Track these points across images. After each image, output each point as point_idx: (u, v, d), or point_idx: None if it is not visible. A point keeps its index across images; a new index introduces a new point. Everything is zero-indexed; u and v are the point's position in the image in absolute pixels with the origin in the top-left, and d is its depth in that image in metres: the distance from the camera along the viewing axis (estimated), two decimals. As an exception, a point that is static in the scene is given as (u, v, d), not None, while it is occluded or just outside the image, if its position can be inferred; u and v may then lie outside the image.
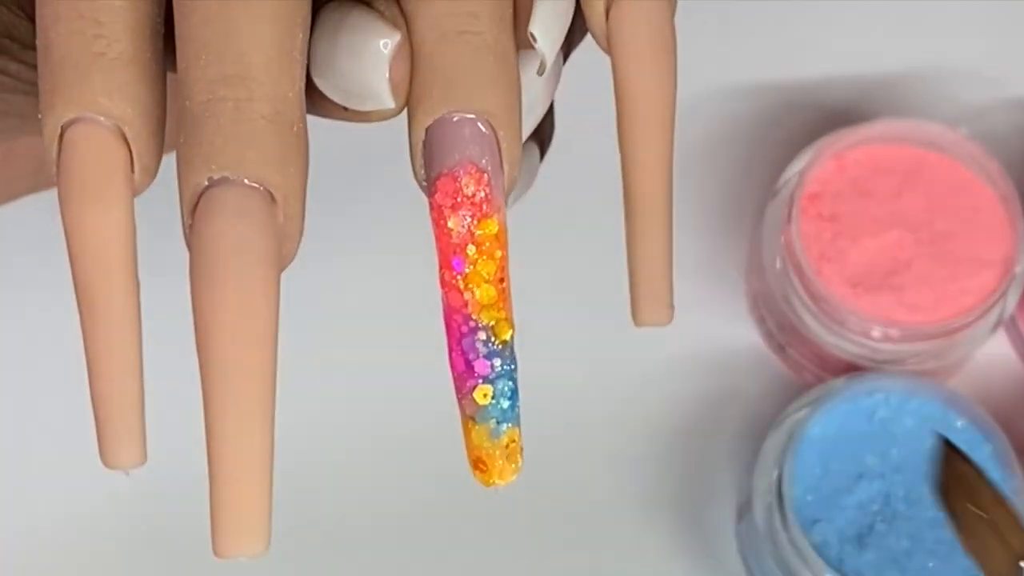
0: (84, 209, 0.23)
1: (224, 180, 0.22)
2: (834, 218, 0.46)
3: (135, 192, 0.24)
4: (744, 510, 0.45)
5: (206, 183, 0.23)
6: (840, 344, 0.46)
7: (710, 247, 0.50)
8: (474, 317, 0.24)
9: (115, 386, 0.23)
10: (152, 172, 0.24)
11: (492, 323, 0.24)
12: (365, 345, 0.49)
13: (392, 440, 0.48)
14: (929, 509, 0.43)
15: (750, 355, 0.49)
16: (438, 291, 0.25)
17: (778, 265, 0.46)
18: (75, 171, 0.23)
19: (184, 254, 0.23)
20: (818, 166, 0.46)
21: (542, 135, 0.28)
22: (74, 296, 0.23)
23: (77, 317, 0.23)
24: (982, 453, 0.43)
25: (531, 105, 0.26)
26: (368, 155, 0.47)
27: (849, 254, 0.45)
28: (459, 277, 0.24)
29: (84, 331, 0.23)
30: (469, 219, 0.24)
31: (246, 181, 0.23)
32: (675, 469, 0.48)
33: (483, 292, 0.24)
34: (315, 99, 0.25)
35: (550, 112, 0.28)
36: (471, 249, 0.24)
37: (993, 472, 0.43)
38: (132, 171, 0.23)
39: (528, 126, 0.27)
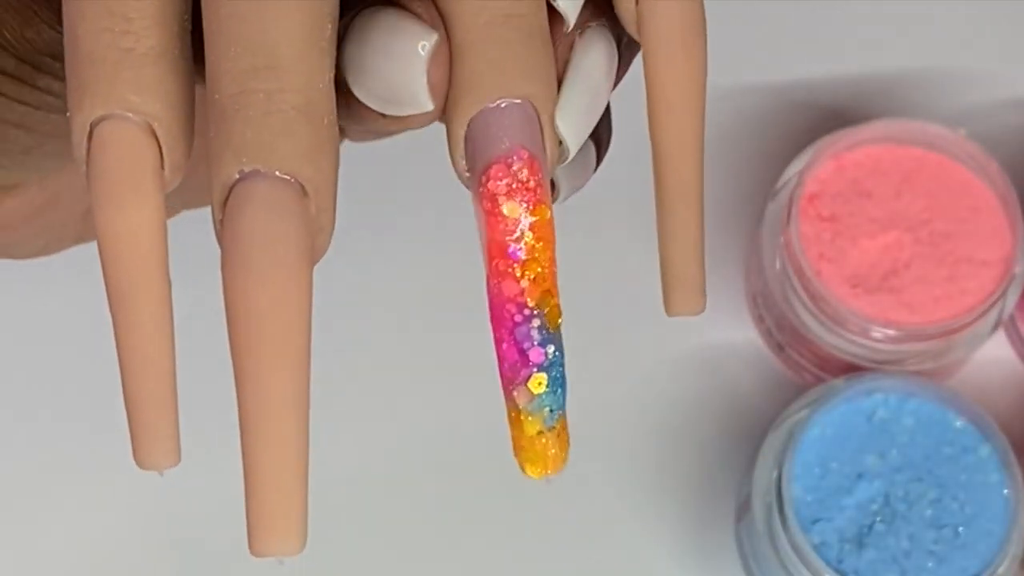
0: (115, 208, 0.22)
1: (255, 173, 0.22)
2: (833, 218, 0.46)
3: (165, 189, 0.23)
4: (744, 510, 0.45)
5: (237, 176, 0.22)
6: (839, 344, 0.46)
7: (710, 247, 0.50)
8: (531, 305, 0.24)
9: (148, 385, 0.23)
10: (182, 169, 0.24)
11: (547, 309, 0.24)
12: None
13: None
14: (929, 509, 0.43)
15: (750, 355, 0.49)
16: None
17: (777, 265, 0.46)
18: (105, 170, 0.22)
19: (215, 250, 0.23)
20: (818, 166, 0.46)
21: (599, 136, 0.27)
22: (105, 295, 0.23)
23: (108, 316, 0.23)
24: (982, 453, 0.43)
25: (596, 93, 0.26)
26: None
27: (848, 254, 0.45)
28: (516, 265, 0.24)
29: (116, 330, 0.23)
30: (525, 205, 0.24)
31: (278, 173, 0.22)
32: (675, 469, 0.48)
33: (540, 278, 0.24)
34: (352, 107, 0.25)
35: (607, 114, 0.28)
36: (529, 235, 0.24)
37: (992, 472, 0.43)
38: (162, 168, 0.23)
39: (593, 116, 0.26)
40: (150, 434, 0.23)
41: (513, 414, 0.24)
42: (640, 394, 0.49)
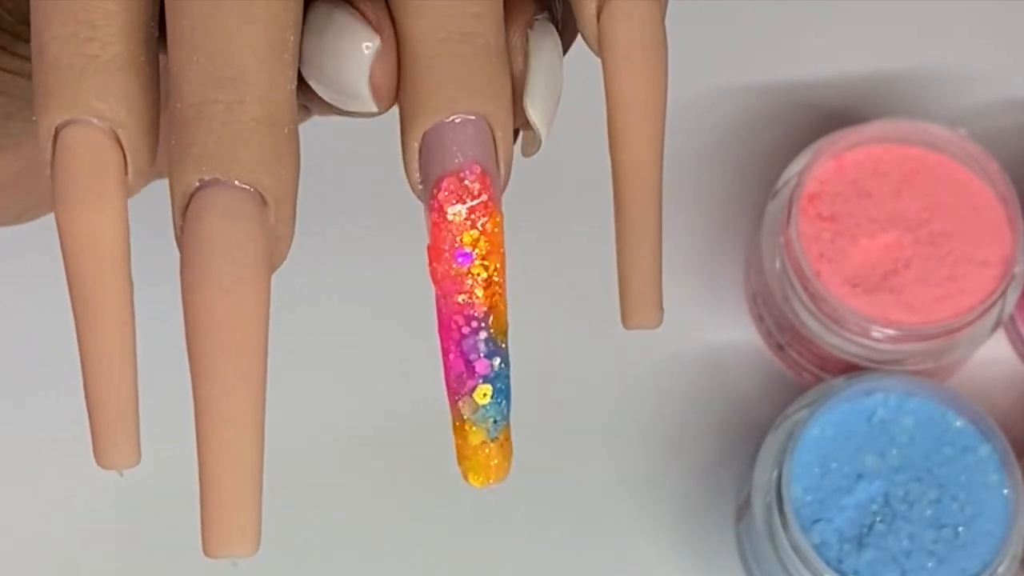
0: (78, 210, 0.23)
1: (215, 182, 0.22)
2: (833, 218, 0.46)
3: (129, 194, 0.23)
4: (743, 510, 0.45)
5: (197, 184, 0.22)
6: (839, 344, 0.46)
7: (710, 247, 0.50)
8: (478, 317, 0.24)
9: (109, 386, 0.23)
10: (145, 174, 0.24)
11: (494, 321, 0.24)
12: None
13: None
14: (929, 509, 0.43)
15: (750, 355, 0.49)
16: (428, 297, 0.25)
17: (777, 265, 0.46)
18: (69, 173, 0.23)
19: (176, 256, 0.23)
20: (818, 166, 0.46)
21: (556, 16, 0.28)
22: (68, 296, 0.23)
23: (71, 317, 0.23)
24: (982, 453, 0.43)
25: (555, 79, 0.26)
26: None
27: (848, 254, 0.45)
28: (464, 277, 0.24)
29: (78, 331, 0.23)
30: (475, 216, 0.24)
31: (237, 183, 0.22)
32: (675, 469, 0.48)
33: (489, 291, 0.24)
34: (306, 94, 0.25)
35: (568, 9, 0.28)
36: (483, 243, 0.24)
37: (992, 472, 0.43)
38: (126, 173, 0.23)
39: (556, 100, 0.26)
40: (111, 434, 0.23)
41: (457, 423, 0.25)
42: (640, 394, 0.49)
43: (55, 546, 0.47)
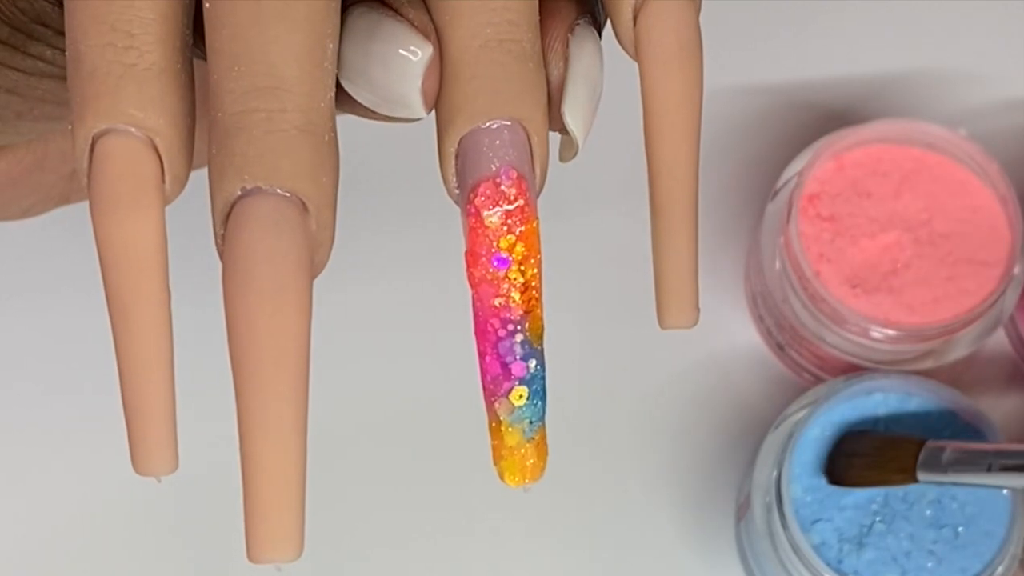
0: (116, 219, 0.23)
1: (257, 190, 0.23)
2: (833, 218, 0.46)
3: (166, 202, 0.24)
4: (744, 510, 0.45)
5: (239, 193, 0.23)
6: (839, 344, 0.46)
7: (710, 247, 0.50)
8: (514, 320, 0.24)
9: (147, 394, 0.23)
10: (183, 182, 0.24)
11: (531, 325, 0.24)
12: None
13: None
14: (928, 509, 0.43)
15: (750, 355, 0.49)
16: (461, 299, 0.25)
17: (777, 265, 0.46)
18: (107, 182, 0.23)
19: (216, 264, 0.23)
20: (817, 166, 0.46)
21: (598, 20, 0.28)
22: (105, 305, 0.23)
23: (108, 326, 0.23)
24: (981, 453, 0.43)
25: (595, 86, 0.27)
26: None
27: (848, 254, 0.46)
28: (500, 280, 0.24)
29: (116, 341, 0.23)
30: (512, 221, 0.24)
31: (279, 191, 0.23)
32: (675, 469, 0.48)
33: (525, 295, 0.24)
34: (342, 99, 0.25)
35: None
36: (519, 247, 0.24)
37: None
38: (163, 181, 0.23)
39: (595, 106, 0.27)
40: (149, 442, 0.23)
41: (494, 424, 0.25)
42: (640, 394, 0.49)
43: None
